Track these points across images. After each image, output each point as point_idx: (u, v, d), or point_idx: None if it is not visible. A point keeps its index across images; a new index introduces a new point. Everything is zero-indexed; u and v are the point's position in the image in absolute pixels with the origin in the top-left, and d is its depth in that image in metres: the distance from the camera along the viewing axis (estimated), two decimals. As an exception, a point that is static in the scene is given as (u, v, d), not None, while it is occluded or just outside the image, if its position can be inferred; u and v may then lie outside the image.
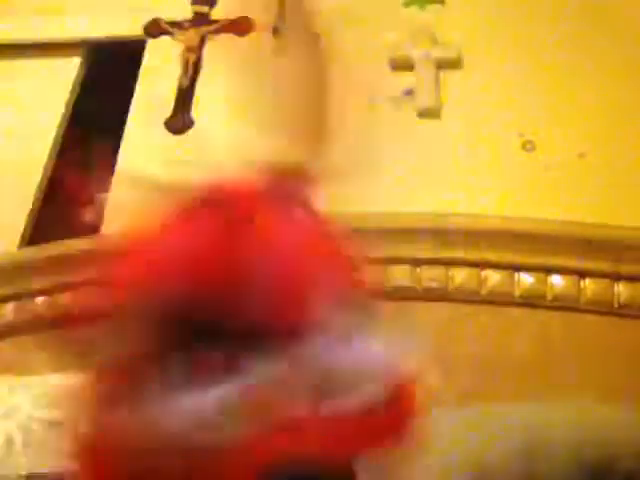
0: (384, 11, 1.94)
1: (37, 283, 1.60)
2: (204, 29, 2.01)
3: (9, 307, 1.61)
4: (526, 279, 1.47)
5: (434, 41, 1.85)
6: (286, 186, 0.68)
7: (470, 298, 1.47)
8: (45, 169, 1.91)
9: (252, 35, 1.99)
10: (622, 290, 1.44)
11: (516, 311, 1.46)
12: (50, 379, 1.35)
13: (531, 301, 1.46)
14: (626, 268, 1.44)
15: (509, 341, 1.43)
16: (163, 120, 1.88)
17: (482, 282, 1.47)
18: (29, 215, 1.84)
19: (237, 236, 0.58)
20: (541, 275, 1.47)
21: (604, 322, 1.42)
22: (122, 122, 1.91)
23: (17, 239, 1.79)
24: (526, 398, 1.31)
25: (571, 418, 0.92)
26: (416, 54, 1.83)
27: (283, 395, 0.52)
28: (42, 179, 1.90)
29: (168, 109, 1.89)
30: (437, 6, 1.93)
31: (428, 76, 1.80)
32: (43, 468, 1.14)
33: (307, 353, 0.54)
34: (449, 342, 1.44)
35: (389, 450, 0.58)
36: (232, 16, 2.02)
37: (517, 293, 1.46)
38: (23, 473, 1.15)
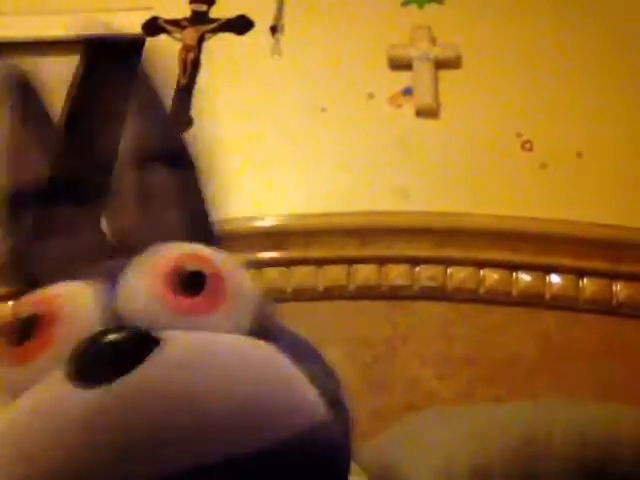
0: (382, 10, 1.94)
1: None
2: (202, 28, 2.01)
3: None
4: (524, 278, 1.47)
5: (433, 40, 1.85)
6: None
7: (468, 297, 1.47)
8: (43, 168, 1.91)
9: (250, 34, 2.00)
10: (620, 289, 1.44)
11: (514, 310, 1.46)
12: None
13: (529, 300, 1.46)
14: (625, 267, 1.44)
15: (507, 340, 1.43)
16: (161, 119, 1.87)
17: (480, 281, 1.47)
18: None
19: None
20: (539, 274, 1.47)
21: (602, 321, 1.43)
22: (120, 120, 1.90)
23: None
24: (525, 397, 1.31)
25: (571, 417, 0.92)
26: (415, 53, 1.83)
27: None
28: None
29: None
30: (436, 5, 1.93)
31: (427, 75, 1.80)
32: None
33: None
34: (447, 341, 1.44)
35: None
36: (230, 15, 2.02)
37: (515, 292, 1.46)
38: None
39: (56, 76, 2.09)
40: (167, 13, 2.06)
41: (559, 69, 1.79)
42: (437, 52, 1.83)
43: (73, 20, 2.10)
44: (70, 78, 2.04)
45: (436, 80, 1.80)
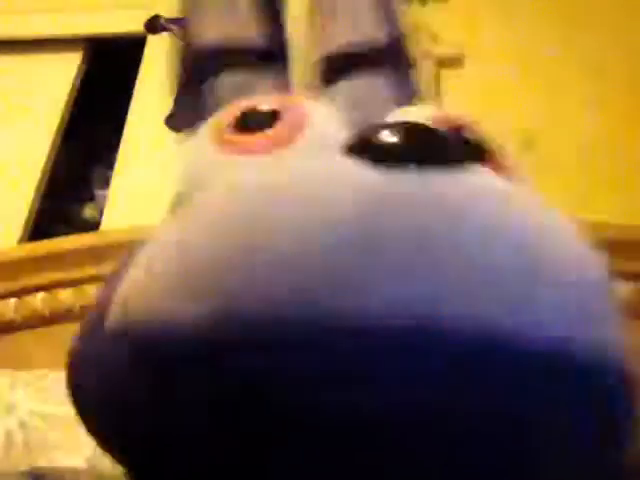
0: (385, 9, 1.94)
1: (38, 279, 1.60)
2: (204, 26, 2.00)
3: (10, 303, 1.61)
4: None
5: (435, 39, 1.85)
6: None
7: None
8: (46, 164, 1.91)
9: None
10: (622, 289, 1.44)
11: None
12: (51, 375, 1.35)
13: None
14: (626, 267, 1.44)
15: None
16: (163, 117, 1.87)
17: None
18: (29, 210, 1.84)
19: None
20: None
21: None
22: (122, 119, 1.90)
23: (18, 234, 1.79)
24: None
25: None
26: (417, 51, 1.83)
27: None
28: (43, 174, 1.90)
29: (168, 106, 1.89)
30: (438, 4, 1.93)
31: (428, 74, 1.80)
32: (43, 464, 1.14)
33: None
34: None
35: None
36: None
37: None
38: (23, 469, 1.15)
39: (56, 74, 2.09)
40: (169, 11, 2.05)
41: (562, 69, 1.79)
42: (439, 50, 1.83)
43: (75, 18, 2.10)
44: (71, 76, 2.04)
45: (438, 79, 1.80)
